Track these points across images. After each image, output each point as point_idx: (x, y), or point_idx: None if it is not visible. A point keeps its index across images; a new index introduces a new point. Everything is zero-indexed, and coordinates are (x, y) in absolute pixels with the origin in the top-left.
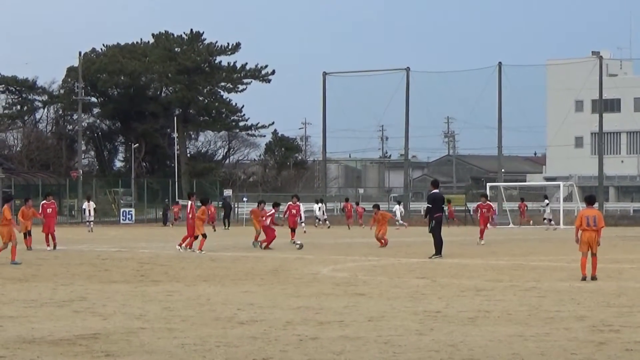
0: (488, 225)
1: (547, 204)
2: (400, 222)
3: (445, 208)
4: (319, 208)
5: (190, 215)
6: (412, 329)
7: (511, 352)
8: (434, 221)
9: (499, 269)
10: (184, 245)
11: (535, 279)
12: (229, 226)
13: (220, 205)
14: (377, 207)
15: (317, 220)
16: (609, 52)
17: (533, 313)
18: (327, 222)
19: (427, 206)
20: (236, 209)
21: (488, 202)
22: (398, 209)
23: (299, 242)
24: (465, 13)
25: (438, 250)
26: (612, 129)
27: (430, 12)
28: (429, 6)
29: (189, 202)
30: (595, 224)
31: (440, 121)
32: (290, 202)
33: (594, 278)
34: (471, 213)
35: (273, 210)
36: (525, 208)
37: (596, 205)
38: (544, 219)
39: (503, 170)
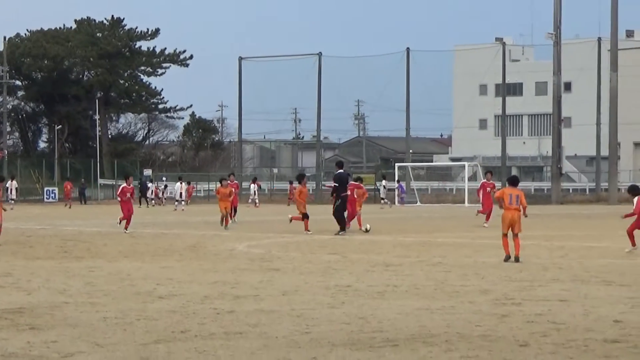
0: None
1: (383, 185)
2: (253, 199)
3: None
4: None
5: (119, 196)
6: (324, 302)
7: (418, 325)
8: (340, 199)
9: (406, 245)
10: (124, 227)
11: (441, 255)
12: (147, 205)
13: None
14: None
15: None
16: (512, 38)
17: (439, 287)
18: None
19: (334, 185)
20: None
21: (492, 181)
22: (253, 187)
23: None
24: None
25: (342, 227)
26: (514, 112)
27: None
28: None
29: (122, 184)
30: (518, 202)
31: (351, 104)
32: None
33: (517, 259)
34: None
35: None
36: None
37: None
38: (381, 199)
39: (411, 151)
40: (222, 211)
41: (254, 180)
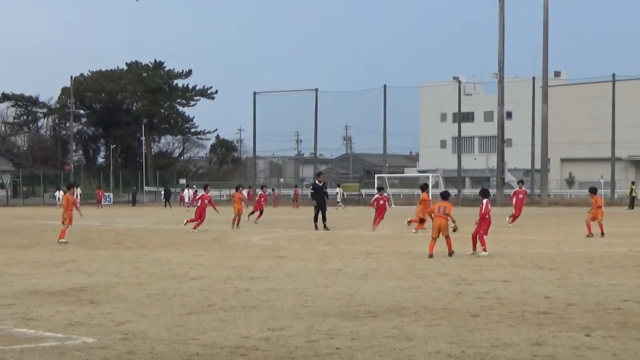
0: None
1: (341, 192)
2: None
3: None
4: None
5: (199, 202)
6: (320, 283)
7: (393, 300)
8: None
9: (384, 238)
10: (193, 229)
11: (410, 245)
12: (170, 206)
13: (163, 191)
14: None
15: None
16: (466, 77)
17: (409, 271)
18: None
19: (326, 191)
20: (191, 193)
21: (524, 189)
22: (187, 192)
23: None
24: (360, 46)
25: (316, 225)
26: (467, 135)
27: (335, 44)
28: (333, 40)
29: (202, 192)
30: (445, 212)
31: (341, 128)
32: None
33: (451, 254)
34: (364, 196)
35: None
36: (278, 195)
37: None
38: (337, 202)
39: (387, 164)
40: (235, 212)
41: (188, 187)
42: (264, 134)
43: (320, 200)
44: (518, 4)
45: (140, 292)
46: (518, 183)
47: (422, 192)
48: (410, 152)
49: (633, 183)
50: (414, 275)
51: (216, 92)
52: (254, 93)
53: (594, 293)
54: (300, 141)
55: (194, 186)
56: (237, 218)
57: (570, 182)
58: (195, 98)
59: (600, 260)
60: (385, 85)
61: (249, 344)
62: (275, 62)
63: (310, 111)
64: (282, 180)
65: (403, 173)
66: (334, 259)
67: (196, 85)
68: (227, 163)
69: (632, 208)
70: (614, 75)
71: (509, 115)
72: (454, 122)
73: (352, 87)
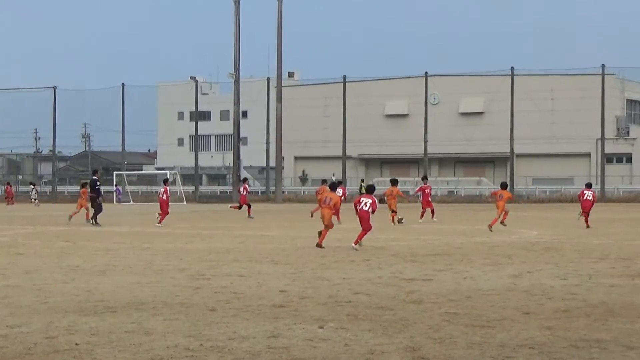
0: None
1: (33, 189)
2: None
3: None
4: None
5: (164, 197)
6: (59, 279)
7: (132, 295)
8: (100, 197)
9: (122, 234)
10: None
11: (149, 241)
12: None
13: None
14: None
15: None
16: (203, 77)
17: (148, 266)
18: None
19: (96, 187)
20: None
21: (429, 184)
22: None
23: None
24: (99, 44)
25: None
26: (204, 133)
27: (74, 42)
28: (73, 38)
29: (163, 188)
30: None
31: (79, 125)
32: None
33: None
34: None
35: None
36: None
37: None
38: (32, 199)
39: (126, 162)
40: (81, 207)
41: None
42: (1, 131)
43: (97, 196)
44: (253, 6)
45: None
46: (423, 179)
47: (392, 185)
48: (149, 150)
49: (362, 180)
50: (152, 270)
51: None
52: None
53: (327, 286)
54: (39, 138)
55: None
56: (86, 213)
57: (303, 179)
58: None
59: (332, 254)
60: (123, 83)
61: None
62: (13, 59)
63: (49, 108)
64: (20, 177)
65: (141, 170)
66: (73, 255)
67: None
68: None
69: None
70: (344, 76)
71: (245, 114)
72: (191, 121)
73: (91, 85)
